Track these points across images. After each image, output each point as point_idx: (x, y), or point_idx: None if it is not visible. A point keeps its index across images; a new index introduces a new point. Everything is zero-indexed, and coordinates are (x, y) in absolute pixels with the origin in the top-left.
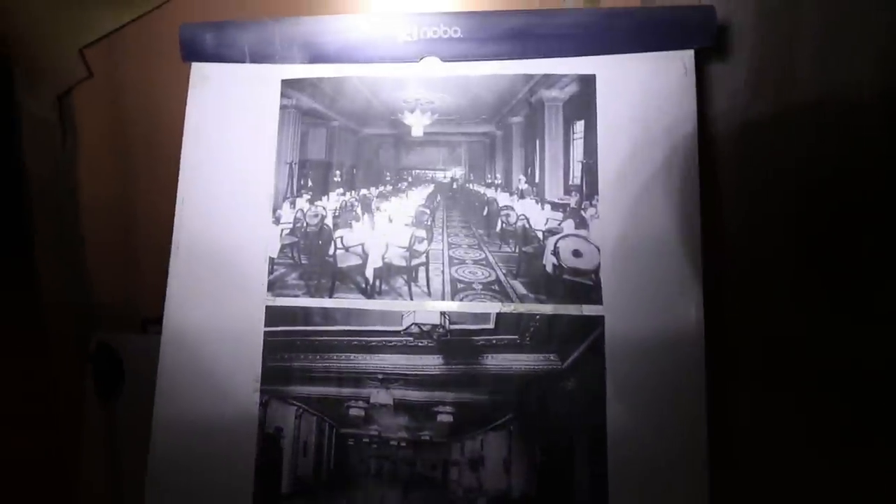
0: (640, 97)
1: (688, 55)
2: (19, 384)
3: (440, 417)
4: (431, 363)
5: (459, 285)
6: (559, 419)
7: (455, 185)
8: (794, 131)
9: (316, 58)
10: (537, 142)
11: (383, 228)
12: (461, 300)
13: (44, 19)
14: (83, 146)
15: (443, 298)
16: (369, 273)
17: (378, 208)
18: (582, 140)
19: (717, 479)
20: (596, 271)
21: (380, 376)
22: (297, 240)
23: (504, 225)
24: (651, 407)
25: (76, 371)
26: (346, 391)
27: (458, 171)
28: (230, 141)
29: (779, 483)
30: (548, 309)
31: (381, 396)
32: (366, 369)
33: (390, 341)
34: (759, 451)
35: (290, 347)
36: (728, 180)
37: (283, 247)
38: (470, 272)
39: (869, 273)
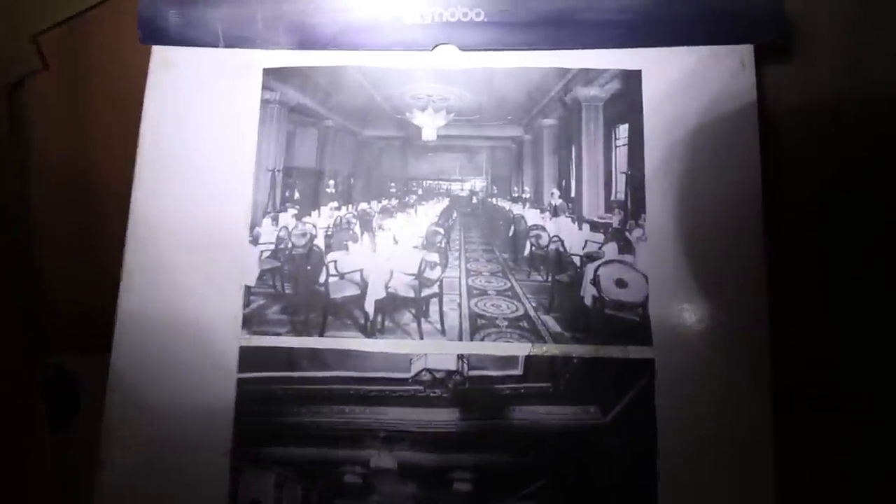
0: (692, 98)
1: (746, 50)
2: None
3: (456, 486)
4: (446, 418)
5: (480, 322)
6: (601, 485)
7: (475, 200)
8: (870, 140)
9: (306, 42)
10: (573, 149)
11: (387, 251)
12: (482, 340)
13: None
14: (37, 145)
15: (460, 338)
16: (369, 306)
17: (381, 227)
18: (626, 147)
19: None
20: (644, 305)
21: (382, 434)
22: (279, 264)
23: (534, 248)
24: (712, 468)
25: (25, 398)
26: (340, 453)
27: (478, 183)
28: (198, 141)
29: None
30: (587, 351)
31: (383, 460)
32: (365, 426)
33: (395, 391)
34: None
35: (270, 398)
36: (795, 195)
37: (262, 273)
38: (493, 305)
39: None
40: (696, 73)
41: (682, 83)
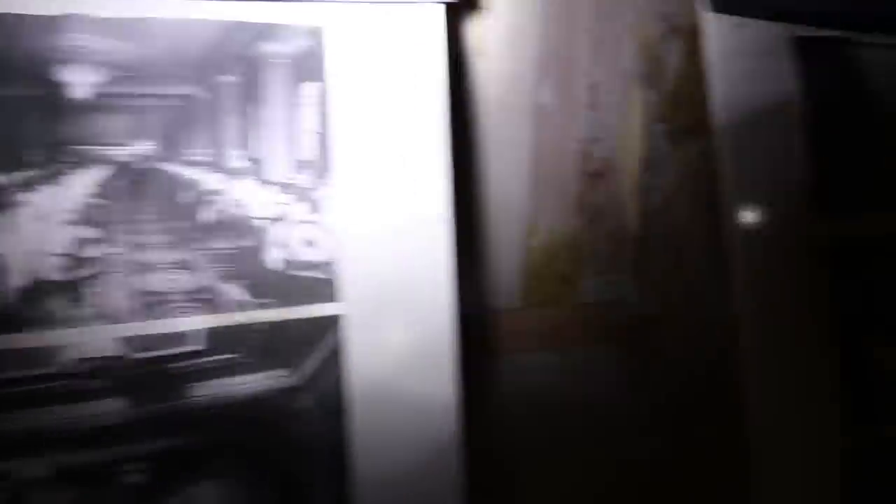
0: (380, 55)
1: (435, 9)
2: None
3: (127, 479)
4: (111, 409)
5: (152, 299)
6: (293, 448)
7: (142, 165)
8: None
9: None
10: (257, 108)
11: (29, 231)
12: (154, 319)
13: None
14: None
15: (125, 320)
16: (7, 296)
17: (20, 202)
18: (314, 106)
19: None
20: (332, 262)
21: (27, 441)
22: None
23: (214, 214)
24: (401, 420)
25: None
26: None
27: (146, 147)
28: None
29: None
30: (274, 315)
31: (33, 468)
32: (8, 433)
33: (39, 389)
34: (523, 456)
35: None
36: (490, 151)
37: None
38: (168, 280)
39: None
40: (384, 30)
41: (368, 40)
